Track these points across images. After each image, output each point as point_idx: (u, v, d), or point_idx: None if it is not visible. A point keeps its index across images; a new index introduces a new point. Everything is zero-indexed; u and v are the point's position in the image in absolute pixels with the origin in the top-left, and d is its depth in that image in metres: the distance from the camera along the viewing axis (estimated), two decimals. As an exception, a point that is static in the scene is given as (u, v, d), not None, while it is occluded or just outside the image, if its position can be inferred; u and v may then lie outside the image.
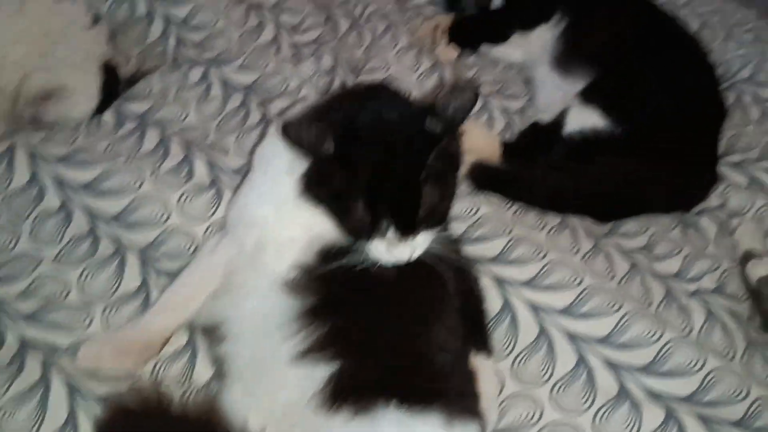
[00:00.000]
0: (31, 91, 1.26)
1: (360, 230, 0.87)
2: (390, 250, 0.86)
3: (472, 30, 1.56)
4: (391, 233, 0.85)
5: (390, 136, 0.86)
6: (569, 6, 1.48)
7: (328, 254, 0.91)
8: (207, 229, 1.10)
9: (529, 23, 1.51)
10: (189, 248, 1.09)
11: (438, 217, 0.88)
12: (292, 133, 0.85)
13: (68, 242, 1.07)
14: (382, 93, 0.95)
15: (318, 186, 0.89)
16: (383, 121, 0.87)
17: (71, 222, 1.09)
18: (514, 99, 1.46)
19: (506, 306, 1.06)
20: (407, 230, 0.85)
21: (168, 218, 1.10)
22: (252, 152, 1.10)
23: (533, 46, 1.50)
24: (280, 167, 0.94)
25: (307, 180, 0.90)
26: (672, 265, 1.15)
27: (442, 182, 0.87)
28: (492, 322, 1.04)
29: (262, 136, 1.19)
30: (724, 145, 1.37)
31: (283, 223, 0.96)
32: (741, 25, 1.63)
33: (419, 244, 0.87)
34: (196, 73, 1.37)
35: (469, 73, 1.50)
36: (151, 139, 1.20)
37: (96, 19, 1.38)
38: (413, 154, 0.85)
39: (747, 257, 1.16)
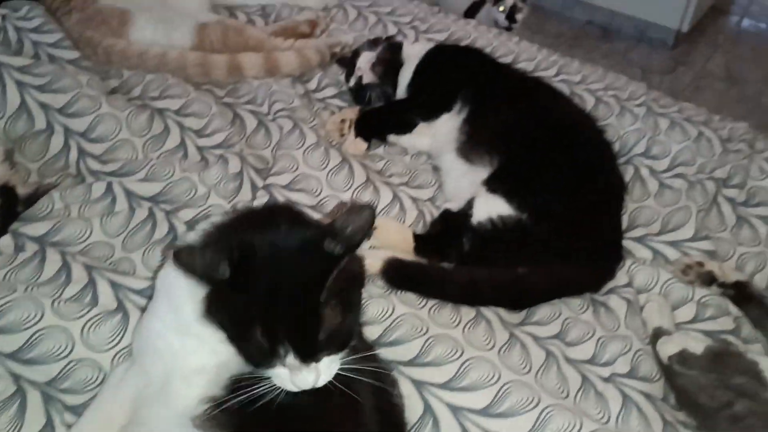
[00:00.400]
0: None
1: (260, 357, 0.85)
2: (293, 377, 0.84)
3: (378, 122, 1.58)
4: (291, 359, 0.84)
5: (286, 259, 0.86)
6: (468, 95, 1.52)
7: (237, 384, 0.88)
8: (114, 357, 1.06)
9: (431, 113, 1.55)
10: (95, 380, 1.04)
11: (342, 339, 0.87)
12: (184, 259, 0.83)
13: (-37, 385, 1.01)
14: (281, 215, 0.94)
15: (217, 312, 0.88)
16: (279, 245, 0.87)
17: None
18: (423, 188, 1.48)
19: (428, 409, 1.05)
20: (308, 355, 0.83)
21: (71, 350, 1.06)
22: (155, 276, 1.08)
23: (439, 134, 1.54)
24: (182, 293, 0.92)
25: (207, 305, 0.88)
26: (586, 351, 1.17)
27: (344, 303, 0.86)
28: (415, 428, 1.04)
29: (163, 259, 1.17)
30: (626, 220, 1.42)
31: (188, 351, 0.93)
32: (633, 99, 1.72)
33: (324, 369, 0.85)
34: (99, 187, 1.34)
35: (377, 165, 1.52)
36: (52, 264, 1.16)
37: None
38: (311, 276, 0.84)
39: (657, 335, 1.19)
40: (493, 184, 1.35)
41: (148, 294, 1.13)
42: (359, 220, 0.87)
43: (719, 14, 3.94)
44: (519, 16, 2.79)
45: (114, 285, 1.14)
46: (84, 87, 1.46)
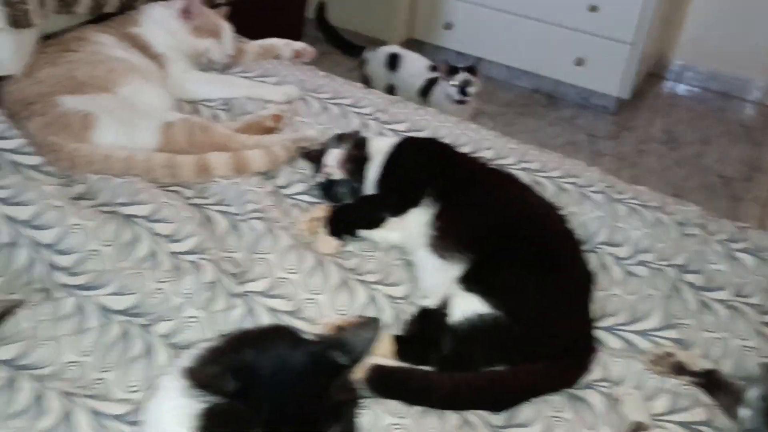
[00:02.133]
0: None
1: None
2: None
3: (349, 219, 1.60)
4: None
5: (292, 371, 0.88)
6: (436, 190, 1.56)
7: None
8: (94, 492, 1.03)
9: (399, 209, 1.58)
10: None
11: None
12: (196, 375, 0.85)
13: None
14: (281, 333, 0.96)
15: (217, 426, 0.86)
16: (284, 357, 0.89)
17: None
18: (398, 285, 1.50)
19: None
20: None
21: (48, 490, 1.02)
22: (142, 408, 1.05)
23: (409, 229, 1.56)
24: (172, 423, 0.90)
25: (205, 422, 0.87)
26: (571, 452, 1.19)
27: (348, 413, 0.90)
28: None
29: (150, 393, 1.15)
30: (595, 310, 1.46)
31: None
32: (590, 186, 1.78)
33: None
34: (68, 303, 1.31)
35: (350, 263, 1.53)
36: (24, 394, 1.12)
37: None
38: (316, 386, 0.87)
39: (636, 430, 1.22)
40: (467, 283, 1.37)
41: (129, 420, 1.11)
42: (365, 333, 0.91)
43: (656, 80, 4.17)
44: (471, 90, 2.90)
45: (92, 412, 1.11)
46: (49, 198, 1.44)
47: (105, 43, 1.92)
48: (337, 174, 1.66)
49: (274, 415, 0.84)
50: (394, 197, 1.60)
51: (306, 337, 0.98)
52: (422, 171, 1.62)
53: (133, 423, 1.10)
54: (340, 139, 1.73)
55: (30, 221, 1.41)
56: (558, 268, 1.42)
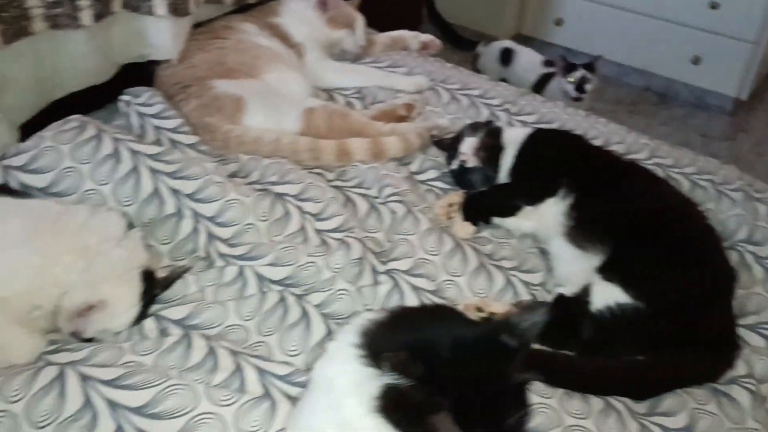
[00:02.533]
0: (72, 307, 1.28)
1: None
2: None
3: (484, 205, 1.65)
4: None
5: (467, 353, 0.91)
6: (572, 181, 1.57)
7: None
8: (265, 444, 1.11)
9: (535, 198, 1.60)
10: (248, 467, 1.09)
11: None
12: (393, 360, 0.87)
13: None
14: (448, 314, 1.00)
15: (396, 407, 0.90)
16: (459, 340, 0.92)
17: (127, 449, 1.08)
18: (533, 273, 1.53)
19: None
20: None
21: (224, 436, 1.11)
22: (310, 368, 1.13)
23: (544, 218, 1.59)
24: (345, 389, 0.95)
25: (384, 402, 0.91)
26: (718, 444, 1.19)
27: (527, 396, 0.92)
28: None
29: (320, 353, 1.22)
30: (737, 307, 1.44)
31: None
32: (728, 183, 1.76)
33: None
34: (231, 271, 1.41)
35: (486, 248, 1.57)
36: (199, 350, 1.22)
37: (130, 225, 1.42)
38: (492, 369, 0.90)
39: (785, 428, 1.21)
40: (607, 273, 1.38)
41: (292, 381, 1.19)
42: (533, 316, 0.93)
43: (776, 81, 3.98)
44: (588, 87, 2.87)
45: (259, 371, 1.19)
46: (211, 174, 1.55)
47: (249, 31, 2.04)
48: (472, 162, 1.70)
49: (462, 399, 0.87)
50: (530, 187, 1.63)
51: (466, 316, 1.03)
52: (558, 161, 1.64)
53: (296, 384, 1.18)
54: (474, 128, 1.77)
55: (193, 194, 1.52)
56: (700, 262, 1.41)
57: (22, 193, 1.45)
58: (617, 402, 1.23)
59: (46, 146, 1.52)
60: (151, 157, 1.55)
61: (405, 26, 2.52)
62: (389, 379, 0.90)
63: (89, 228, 1.34)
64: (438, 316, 1.00)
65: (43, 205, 1.39)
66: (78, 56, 1.71)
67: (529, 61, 3.11)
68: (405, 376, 0.88)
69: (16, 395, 1.12)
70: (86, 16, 1.66)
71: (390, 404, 0.91)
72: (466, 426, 0.88)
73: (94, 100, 1.84)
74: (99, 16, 1.69)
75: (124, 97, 1.78)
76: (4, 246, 1.27)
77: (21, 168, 1.50)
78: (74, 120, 1.61)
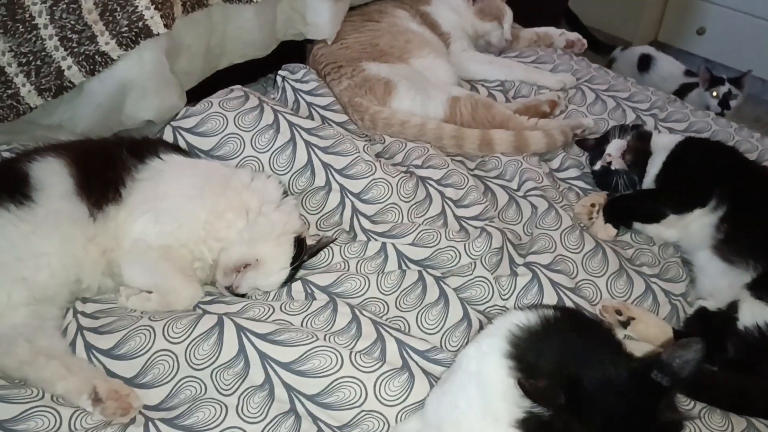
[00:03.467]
0: (230, 262, 1.37)
1: None
2: None
3: (627, 209, 1.62)
4: None
5: (616, 388, 0.90)
6: (724, 193, 1.52)
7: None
8: (398, 413, 1.15)
9: (683, 207, 1.56)
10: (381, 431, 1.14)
11: None
12: (530, 389, 0.88)
13: (273, 420, 1.13)
14: (601, 334, 0.99)
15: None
16: (608, 374, 0.91)
17: (274, 399, 1.16)
18: (675, 282, 1.49)
19: None
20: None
21: (364, 401, 1.16)
22: (446, 347, 1.17)
23: (690, 228, 1.55)
24: (496, 393, 0.97)
25: (528, 426, 0.92)
26: None
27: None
28: None
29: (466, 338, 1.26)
30: None
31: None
32: None
33: None
34: (374, 246, 1.46)
35: (627, 253, 1.55)
36: (343, 316, 1.28)
37: (285, 193, 1.50)
38: (641, 407, 0.88)
39: None
40: (758, 291, 1.34)
41: (430, 357, 1.22)
42: (687, 354, 0.90)
43: None
44: (733, 103, 2.74)
45: (399, 343, 1.24)
46: (361, 152, 1.61)
47: (401, 16, 2.08)
48: (617, 164, 1.67)
49: (605, 428, 0.86)
50: (679, 195, 1.58)
51: (616, 338, 1.02)
52: (710, 171, 1.59)
53: (434, 361, 1.22)
54: (622, 130, 1.74)
55: (343, 170, 1.58)
56: None
57: (190, 153, 1.56)
58: (760, 424, 1.19)
59: (213, 111, 1.62)
60: (307, 130, 1.63)
61: (545, 22, 2.49)
62: (532, 407, 0.90)
63: (252, 190, 1.43)
64: (592, 338, 0.98)
65: (211, 166, 1.50)
66: (246, 29, 1.81)
67: (669, 70, 2.99)
68: (544, 406, 0.89)
69: (178, 337, 1.21)
70: (258, -8, 1.76)
71: (534, 428, 0.91)
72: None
73: (247, 73, 1.94)
74: (268, -7, 1.78)
75: (282, 72, 1.87)
76: (177, 200, 1.38)
77: (189, 130, 1.61)
78: (238, 89, 1.71)
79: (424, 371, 1.20)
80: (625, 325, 1.34)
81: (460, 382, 1.06)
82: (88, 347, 1.22)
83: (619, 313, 1.34)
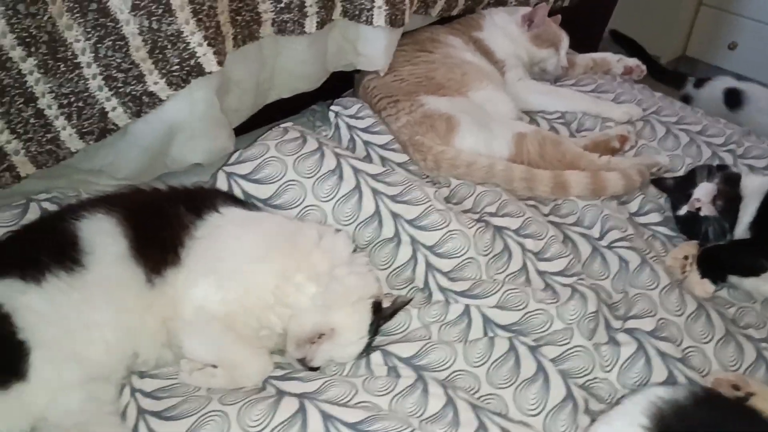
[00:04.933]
0: (302, 333, 1.23)
1: None
2: None
3: (722, 261, 1.49)
4: None
5: None
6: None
7: None
8: None
9: (786, 260, 1.44)
10: None
11: None
12: None
13: None
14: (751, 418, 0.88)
15: None
16: None
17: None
18: (788, 345, 1.37)
19: None
20: None
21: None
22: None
23: (798, 285, 1.42)
24: None
25: None
26: None
27: None
28: None
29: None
30: None
31: None
32: None
33: None
34: (454, 309, 1.32)
35: (728, 312, 1.42)
36: (436, 398, 1.14)
37: (354, 248, 1.36)
38: None
39: None
40: None
41: (538, 448, 1.09)
42: None
43: None
44: None
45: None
46: (433, 200, 1.47)
47: (455, 45, 1.95)
48: (707, 210, 1.54)
49: None
50: (781, 246, 1.46)
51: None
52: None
53: (543, 451, 1.09)
54: (708, 171, 1.61)
55: (414, 221, 1.44)
56: None
57: (248, 203, 1.42)
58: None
59: (270, 156, 1.48)
60: (373, 176, 1.49)
61: (581, 46, 2.35)
62: None
63: (321, 250, 1.29)
64: (742, 420, 0.87)
65: (274, 221, 1.36)
66: (297, 62, 1.67)
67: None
68: None
69: (257, 425, 1.07)
70: (311, 23, 1.62)
71: None
72: None
73: (288, 104, 1.80)
74: (322, 24, 1.64)
75: (334, 108, 1.73)
76: (241, 262, 1.24)
77: (245, 177, 1.47)
78: (293, 130, 1.57)
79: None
80: (743, 401, 1.21)
81: None
82: (153, 436, 1.08)
83: (736, 388, 1.21)
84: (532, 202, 1.62)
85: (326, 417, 1.08)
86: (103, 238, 1.20)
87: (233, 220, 1.30)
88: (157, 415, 1.10)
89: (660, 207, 1.66)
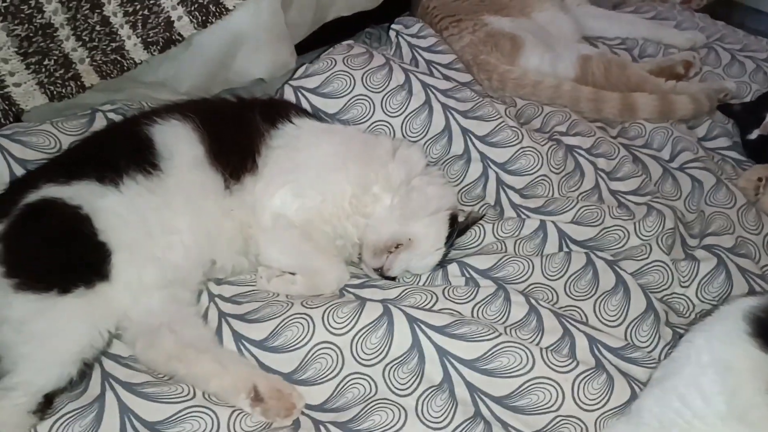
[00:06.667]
0: (380, 242, 1.22)
1: None
2: None
3: (798, 184, 1.46)
4: None
5: None
6: None
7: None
8: (598, 419, 1.01)
9: None
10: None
11: None
12: None
13: (459, 427, 1.00)
14: None
15: None
16: None
17: (457, 402, 1.02)
18: None
19: None
20: None
21: (560, 405, 1.02)
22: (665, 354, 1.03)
23: None
24: (744, 372, 0.87)
25: None
26: None
27: None
28: None
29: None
30: None
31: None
32: None
33: None
34: (530, 224, 1.30)
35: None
36: (518, 306, 1.13)
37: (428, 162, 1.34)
38: None
39: None
40: None
41: (625, 355, 1.08)
42: None
43: None
44: None
45: (590, 339, 1.09)
46: (504, 117, 1.44)
47: (516, -35, 1.89)
48: (780, 134, 1.51)
49: None
50: None
51: None
52: None
53: (630, 360, 1.08)
54: (784, 95, 1.57)
55: (485, 137, 1.42)
56: None
57: (319, 117, 1.40)
58: None
59: (338, 70, 1.45)
60: (443, 92, 1.46)
61: None
62: None
63: (397, 160, 1.27)
64: None
65: (350, 133, 1.34)
66: (357, -21, 1.62)
67: None
68: None
69: (342, 327, 1.07)
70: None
71: None
72: None
73: (340, 29, 1.75)
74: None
75: (395, 27, 1.69)
76: (319, 171, 1.23)
77: (313, 90, 1.44)
78: (357, 45, 1.53)
79: (620, 371, 1.06)
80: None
81: (689, 377, 0.93)
82: (237, 337, 1.08)
83: None
84: (599, 124, 1.59)
85: (412, 320, 1.07)
86: (180, 144, 1.18)
87: (309, 131, 1.28)
88: (239, 318, 1.10)
89: (728, 132, 1.63)
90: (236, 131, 1.23)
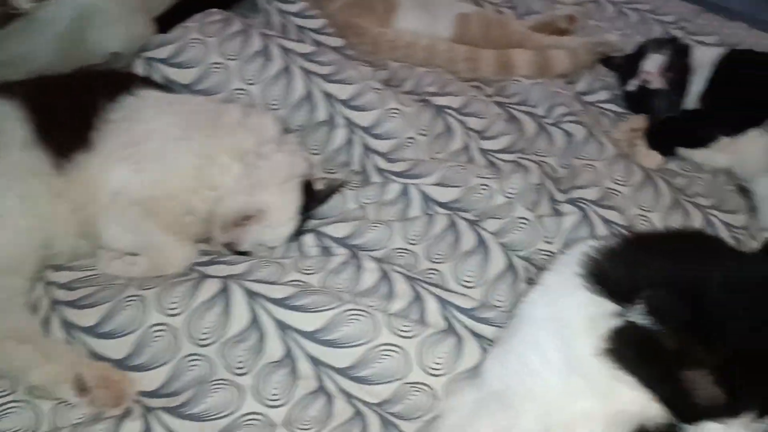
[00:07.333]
0: (228, 215, 1.16)
1: (703, 410, 0.74)
2: None
3: (673, 133, 1.44)
4: (748, 418, 0.73)
5: (744, 298, 0.76)
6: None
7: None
8: (447, 383, 0.97)
9: (735, 128, 1.38)
10: (428, 406, 0.96)
11: None
12: (654, 302, 0.74)
13: (299, 402, 0.95)
14: (704, 240, 0.83)
15: (634, 349, 0.78)
16: (737, 278, 0.77)
17: (298, 377, 0.97)
18: (734, 213, 1.32)
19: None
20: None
21: (407, 372, 0.97)
22: (515, 305, 0.99)
23: (745, 153, 1.37)
24: (578, 326, 0.82)
25: (618, 341, 0.78)
26: None
27: None
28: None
29: (525, 285, 1.07)
30: None
31: (573, 393, 0.83)
32: None
33: None
34: (393, 189, 1.25)
35: (677, 182, 1.37)
36: (370, 272, 1.08)
37: (284, 130, 1.28)
38: None
39: None
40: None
41: (477, 316, 1.04)
42: None
43: None
44: None
45: (440, 301, 1.05)
46: (369, 79, 1.38)
47: None
48: (657, 83, 1.48)
49: (734, 354, 0.73)
50: (730, 115, 1.40)
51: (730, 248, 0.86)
52: (764, 86, 1.40)
53: (482, 320, 1.04)
54: (658, 44, 1.54)
55: (348, 101, 1.36)
56: None
57: (166, 87, 1.32)
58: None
59: (192, 38, 1.38)
60: (303, 56, 1.39)
61: None
62: (637, 319, 0.76)
63: (246, 128, 1.21)
64: (695, 243, 0.82)
65: (195, 101, 1.27)
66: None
67: None
68: (664, 322, 0.73)
69: (175, 308, 1.00)
70: None
71: (629, 348, 0.78)
72: (734, 391, 0.73)
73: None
74: None
75: (264, -7, 1.62)
76: (160, 143, 1.15)
77: (165, 61, 1.36)
78: (216, 12, 1.46)
79: (472, 333, 1.02)
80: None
81: (527, 335, 0.90)
82: (67, 325, 1.00)
83: None
84: (476, 83, 1.54)
85: (251, 295, 1.01)
86: (3, 123, 1.10)
87: (150, 102, 1.21)
88: (70, 304, 1.03)
89: (608, 85, 1.60)
90: (68, 107, 1.15)
